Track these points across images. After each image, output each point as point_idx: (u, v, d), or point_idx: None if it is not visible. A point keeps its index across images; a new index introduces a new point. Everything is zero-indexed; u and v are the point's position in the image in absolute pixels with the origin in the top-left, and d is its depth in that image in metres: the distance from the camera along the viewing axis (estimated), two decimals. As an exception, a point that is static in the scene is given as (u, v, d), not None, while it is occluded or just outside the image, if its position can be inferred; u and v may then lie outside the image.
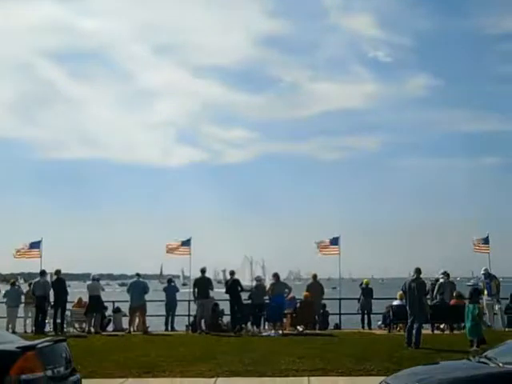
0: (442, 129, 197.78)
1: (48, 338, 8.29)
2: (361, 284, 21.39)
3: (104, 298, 20.29)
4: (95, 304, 19.16)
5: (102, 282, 21.52)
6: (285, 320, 18.73)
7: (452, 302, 18.75)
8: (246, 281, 21.85)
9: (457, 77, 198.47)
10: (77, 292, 24.53)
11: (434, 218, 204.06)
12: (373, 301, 20.81)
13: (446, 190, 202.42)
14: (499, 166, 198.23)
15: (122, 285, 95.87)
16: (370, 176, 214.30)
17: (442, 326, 18.48)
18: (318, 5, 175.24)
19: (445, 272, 20.23)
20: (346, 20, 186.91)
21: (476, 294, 14.94)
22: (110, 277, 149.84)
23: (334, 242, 22.62)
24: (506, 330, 18.40)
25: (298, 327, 18.57)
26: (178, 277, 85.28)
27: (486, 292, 19.33)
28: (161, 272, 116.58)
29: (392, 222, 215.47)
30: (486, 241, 22.44)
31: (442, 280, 19.60)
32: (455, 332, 18.19)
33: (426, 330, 16.59)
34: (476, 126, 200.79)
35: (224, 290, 19.50)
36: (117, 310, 20.76)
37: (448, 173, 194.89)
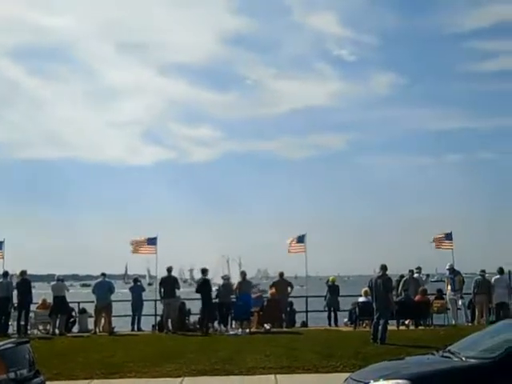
0: (408, 127, 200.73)
1: (11, 340, 8.17)
2: (327, 281, 21.51)
3: (69, 299, 20.02)
4: (60, 305, 18.89)
5: (66, 283, 21.15)
6: (252, 318, 18.73)
7: (417, 298, 19.03)
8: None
9: (421, 75, 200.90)
10: (41, 293, 24.15)
11: (399, 215, 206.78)
12: (339, 298, 20.94)
13: (412, 187, 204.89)
14: (462, 162, 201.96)
15: (84, 285, 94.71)
16: (338, 174, 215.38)
17: (406, 322, 18.70)
18: (282, 2, 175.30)
19: (418, 267, 20.57)
20: (310, 18, 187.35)
21: None
22: (76, 277, 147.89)
23: (300, 239, 22.75)
24: (469, 324, 18.73)
25: (265, 325, 18.59)
26: (144, 276, 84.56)
27: (449, 287, 19.67)
28: (126, 271, 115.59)
29: (359, 220, 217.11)
30: (449, 237, 22.81)
31: (406, 276, 19.88)
32: (420, 328, 18.45)
33: (392, 326, 16.79)
34: (441, 123, 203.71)
35: (192, 290, 19.42)
36: (82, 311, 20.49)
37: (414, 170, 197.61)
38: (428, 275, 21.16)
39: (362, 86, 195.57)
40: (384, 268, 14.75)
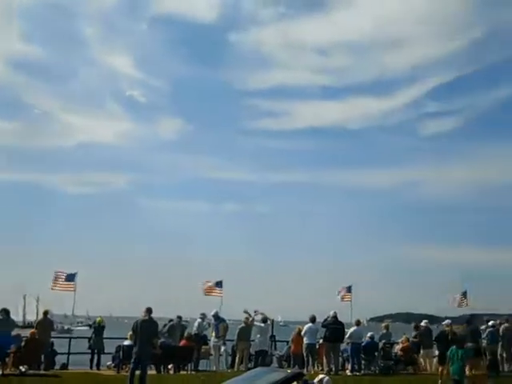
0: (190, 173, 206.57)
1: None
2: (94, 322, 20.88)
3: None
4: None
5: None
6: (7, 360, 17.40)
7: (181, 343, 19.24)
8: (20, 316, 19.72)
9: (206, 125, 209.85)
10: None
11: (176, 257, 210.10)
12: (105, 340, 20.39)
13: (190, 231, 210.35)
14: (238, 212, 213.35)
15: None
16: (117, 213, 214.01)
17: (169, 367, 18.78)
18: (79, 35, 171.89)
19: (203, 314, 20.70)
20: (106, 56, 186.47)
21: (464, 340, 15.08)
22: None
23: (71, 278, 22.01)
24: (229, 370, 19.35)
25: (21, 367, 17.40)
26: None
27: (214, 334, 20.16)
28: None
29: (134, 260, 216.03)
30: (219, 284, 23.69)
31: (174, 321, 20.06)
32: (182, 373, 18.61)
33: (153, 371, 16.74)
34: (222, 173, 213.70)
35: None
36: None
37: (193, 216, 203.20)
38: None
39: (150, 129, 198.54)
40: (149, 311, 14.53)
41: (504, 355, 20.42)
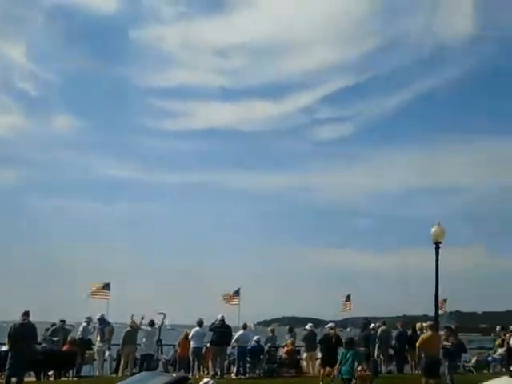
0: (82, 171, 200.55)
1: None
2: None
3: None
4: None
5: None
6: None
7: (64, 347, 18.62)
8: None
9: (101, 122, 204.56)
10: None
11: (59, 257, 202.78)
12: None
13: (78, 230, 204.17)
14: (131, 212, 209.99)
15: None
16: (2, 211, 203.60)
17: (50, 373, 18.11)
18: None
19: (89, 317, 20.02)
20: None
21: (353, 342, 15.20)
22: None
23: None
24: (114, 375, 18.94)
25: None
26: None
27: (99, 338, 19.67)
28: None
29: (17, 260, 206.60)
30: (107, 287, 23.20)
31: (57, 325, 19.42)
32: (63, 379, 18.00)
33: (31, 377, 16.06)
34: (111, 172, 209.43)
35: None
36: None
37: (83, 214, 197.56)
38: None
39: (41, 124, 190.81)
40: (26, 314, 13.79)
41: (381, 357, 21.36)
